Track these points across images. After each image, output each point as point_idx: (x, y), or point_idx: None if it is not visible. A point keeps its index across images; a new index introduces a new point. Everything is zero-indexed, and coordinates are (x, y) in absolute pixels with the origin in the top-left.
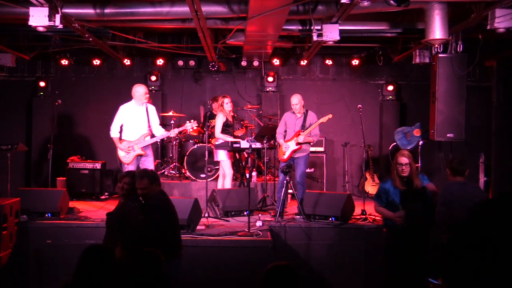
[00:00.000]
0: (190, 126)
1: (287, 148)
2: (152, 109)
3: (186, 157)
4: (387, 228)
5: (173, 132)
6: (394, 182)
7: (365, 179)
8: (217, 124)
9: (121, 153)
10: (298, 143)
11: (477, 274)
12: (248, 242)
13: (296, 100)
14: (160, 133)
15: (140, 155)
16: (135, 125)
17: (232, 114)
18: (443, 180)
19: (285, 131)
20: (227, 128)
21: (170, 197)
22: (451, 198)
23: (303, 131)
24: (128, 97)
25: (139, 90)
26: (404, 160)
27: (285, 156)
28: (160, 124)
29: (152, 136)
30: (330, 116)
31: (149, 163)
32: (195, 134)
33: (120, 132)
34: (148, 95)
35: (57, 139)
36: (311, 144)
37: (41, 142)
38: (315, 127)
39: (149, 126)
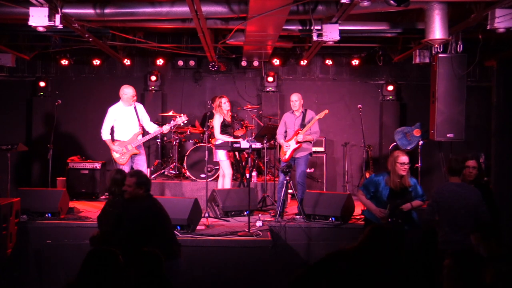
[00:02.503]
0: (181, 120)
1: (288, 147)
2: (140, 107)
3: (186, 157)
4: (366, 220)
5: (165, 128)
6: (392, 180)
7: (365, 179)
8: (215, 125)
9: (115, 155)
10: (297, 142)
11: None
12: (248, 242)
13: (295, 97)
14: (153, 129)
15: (134, 154)
16: (126, 125)
17: (231, 113)
18: (443, 180)
19: (286, 132)
20: (226, 128)
21: (170, 197)
22: (441, 199)
23: (301, 130)
24: None
25: (127, 92)
26: (406, 159)
27: (286, 156)
28: (151, 121)
29: (144, 133)
30: (327, 111)
31: (142, 162)
32: (196, 132)
33: (112, 133)
34: (135, 97)
35: (57, 139)
36: (312, 142)
37: (41, 142)
38: (313, 124)
39: (140, 125)
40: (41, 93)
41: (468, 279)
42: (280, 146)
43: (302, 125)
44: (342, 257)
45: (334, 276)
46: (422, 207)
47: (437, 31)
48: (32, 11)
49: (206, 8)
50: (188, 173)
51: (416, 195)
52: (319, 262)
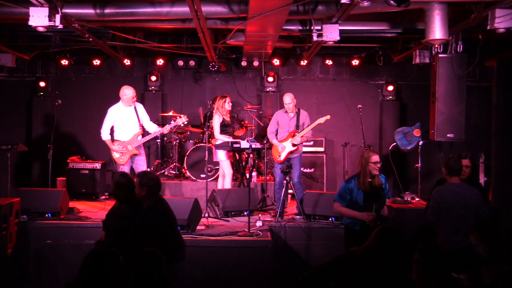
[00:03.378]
0: (181, 121)
1: (284, 149)
2: (140, 107)
3: (186, 157)
4: (347, 229)
5: (166, 129)
6: (362, 182)
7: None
8: (214, 125)
9: (115, 155)
10: (294, 145)
11: None
12: (248, 242)
13: (289, 99)
14: (153, 129)
15: (134, 155)
16: (126, 125)
17: (230, 114)
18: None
19: (276, 130)
20: (225, 128)
21: (170, 197)
22: (441, 199)
23: (298, 132)
24: None
25: (127, 93)
26: (378, 158)
27: (281, 158)
28: (151, 121)
29: (144, 134)
30: (328, 117)
31: (142, 162)
32: (196, 132)
33: (112, 134)
34: (136, 98)
35: (57, 139)
36: (307, 143)
37: (41, 142)
38: (312, 127)
39: (140, 125)
40: (41, 93)
41: (436, 273)
42: (272, 146)
43: (297, 126)
44: (352, 259)
45: (343, 277)
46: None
47: (437, 31)
48: (32, 11)
49: (206, 8)
50: (188, 173)
51: (386, 192)
52: (328, 263)
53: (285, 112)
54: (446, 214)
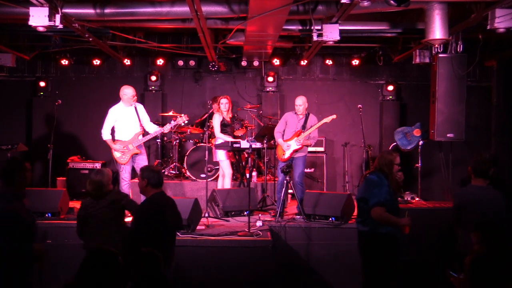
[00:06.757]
0: (182, 120)
1: (289, 147)
2: (140, 107)
3: (186, 157)
4: (389, 239)
5: (166, 128)
6: (396, 185)
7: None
8: (214, 125)
9: (116, 154)
10: (299, 143)
11: None
12: (248, 242)
13: (300, 102)
14: (153, 129)
15: (136, 154)
16: (127, 125)
17: (230, 115)
18: (443, 180)
19: (284, 131)
20: (225, 127)
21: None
22: (466, 203)
23: (303, 131)
24: None
25: (127, 93)
26: (399, 159)
27: (286, 156)
28: (151, 121)
29: (145, 133)
30: (334, 116)
31: (143, 161)
32: (196, 132)
33: (112, 133)
34: (136, 97)
35: (57, 139)
36: (310, 146)
37: (41, 142)
38: (317, 127)
39: (141, 125)
40: (41, 93)
41: None
42: (278, 145)
43: (304, 127)
44: None
45: None
46: None
47: (437, 31)
48: (32, 11)
49: (206, 8)
50: (188, 173)
51: None
52: None
53: (295, 113)
54: (469, 219)
